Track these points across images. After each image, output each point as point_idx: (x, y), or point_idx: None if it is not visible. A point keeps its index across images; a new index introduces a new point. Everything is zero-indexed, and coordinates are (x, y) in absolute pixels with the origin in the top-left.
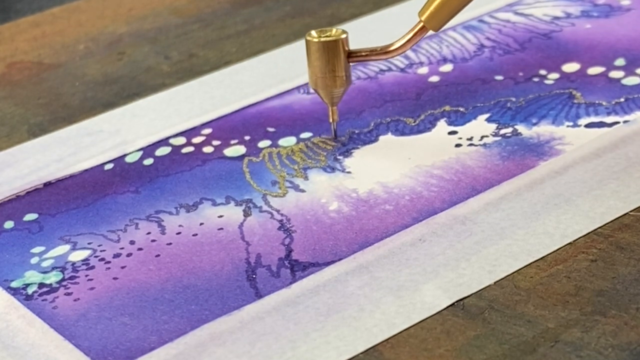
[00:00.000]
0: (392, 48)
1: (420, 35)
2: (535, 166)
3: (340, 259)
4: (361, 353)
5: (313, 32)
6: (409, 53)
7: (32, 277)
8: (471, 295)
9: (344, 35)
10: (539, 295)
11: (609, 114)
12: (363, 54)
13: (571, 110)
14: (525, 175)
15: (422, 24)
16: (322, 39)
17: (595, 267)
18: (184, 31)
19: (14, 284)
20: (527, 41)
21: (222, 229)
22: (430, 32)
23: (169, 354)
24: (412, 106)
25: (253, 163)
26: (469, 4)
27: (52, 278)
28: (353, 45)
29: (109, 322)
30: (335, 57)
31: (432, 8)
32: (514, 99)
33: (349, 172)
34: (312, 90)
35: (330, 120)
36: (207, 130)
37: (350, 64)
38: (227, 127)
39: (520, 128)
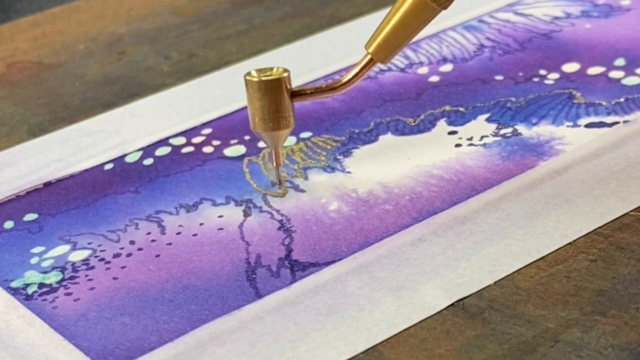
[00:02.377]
0: (338, 84)
1: (367, 68)
2: (535, 166)
3: (340, 259)
4: (361, 353)
5: (252, 72)
6: (409, 53)
7: (32, 277)
8: (471, 295)
9: (285, 74)
10: (539, 295)
11: (609, 114)
12: (308, 92)
13: (571, 110)
14: (525, 175)
15: (369, 56)
16: (263, 78)
17: (595, 267)
18: (184, 31)
19: (13, 284)
20: (527, 41)
21: (222, 229)
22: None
23: (169, 354)
24: (412, 106)
25: (253, 163)
26: (416, 35)
27: (52, 278)
28: (356, 42)
29: (109, 322)
30: (279, 97)
31: (379, 40)
32: (514, 99)
33: (348, 172)
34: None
35: (274, 165)
36: (207, 130)
37: (294, 103)
38: (227, 127)
39: (520, 128)
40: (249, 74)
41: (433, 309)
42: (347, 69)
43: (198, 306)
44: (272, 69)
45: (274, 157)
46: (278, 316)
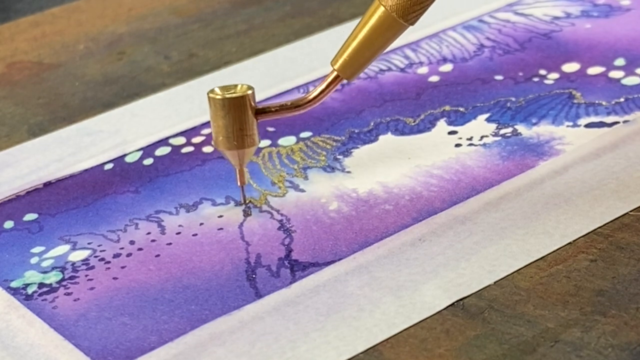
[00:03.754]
0: (303, 102)
1: (334, 85)
2: (535, 166)
3: (340, 259)
4: (361, 353)
5: (216, 89)
6: (409, 53)
7: (32, 277)
8: (471, 295)
9: (249, 91)
10: (538, 295)
11: (608, 114)
12: (273, 109)
13: (571, 110)
14: (525, 175)
15: (335, 73)
16: (227, 96)
17: (595, 267)
18: (184, 31)
19: (13, 284)
20: (527, 41)
21: (222, 229)
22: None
23: (169, 353)
24: (412, 106)
25: (253, 163)
26: (382, 53)
27: (52, 278)
28: None
29: (108, 322)
30: (243, 115)
31: (345, 57)
32: (513, 99)
33: (348, 172)
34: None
35: (239, 184)
36: (207, 130)
37: (258, 121)
38: None
39: (520, 128)
40: (212, 91)
41: (433, 309)
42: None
43: (198, 306)
44: (236, 86)
45: (237, 176)
46: (278, 316)
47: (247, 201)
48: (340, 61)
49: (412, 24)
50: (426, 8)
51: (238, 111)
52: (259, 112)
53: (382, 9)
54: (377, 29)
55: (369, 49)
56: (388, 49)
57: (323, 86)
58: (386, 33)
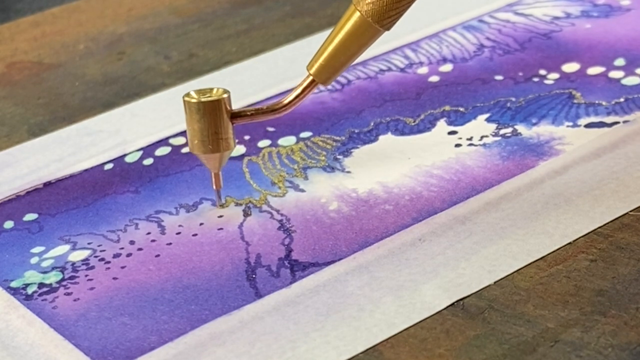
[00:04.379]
0: (279, 106)
1: (309, 90)
2: (535, 166)
3: (340, 259)
4: (361, 353)
5: (192, 93)
6: (409, 53)
7: (32, 277)
8: (471, 295)
9: (225, 95)
10: (538, 295)
11: (608, 114)
12: (248, 113)
13: (571, 110)
14: (525, 175)
15: (311, 77)
16: (203, 100)
17: (595, 267)
18: (184, 31)
19: (13, 284)
20: (527, 41)
21: (222, 229)
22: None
23: (169, 353)
24: (412, 106)
25: (253, 163)
26: (357, 57)
27: (52, 278)
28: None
29: (108, 322)
30: (219, 119)
31: (320, 61)
32: (513, 99)
33: (348, 172)
34: (313, 90)
35: (214, 188)
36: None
37: (234, 124)
38: None
39: (520, 128)
40: (188, 94)
41: (433, 309)
42: (347, 69)
43: (198, 306)
44: (212, 89)
45: (213, 180)
46: (278, 316)
47: (225, 204)
48: (316, 66)
49: (388, 29)
50: (402, 13)
51: (213, 115)
52: (235, 115)
53: (357, 14)
54: (352, 34)
55: (344, 54)
56: (388, 49)
57: (298, 91)
58: (361, 38)
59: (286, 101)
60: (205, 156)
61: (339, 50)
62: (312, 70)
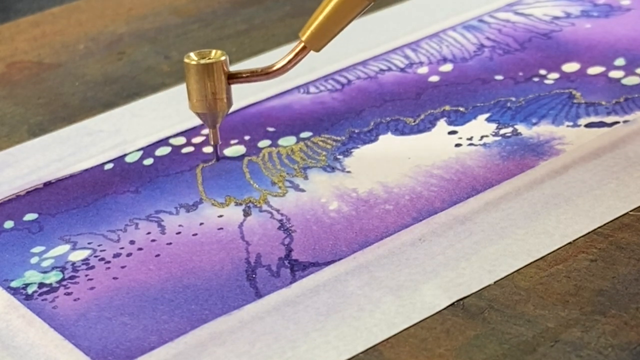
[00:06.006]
0: (273, 69)
1: (301, 55)
2: (535, 166)
3: (340, 259)
4: (361, 353)
5: (192, 55)
6: (409, 53)
7: (32, 276)
8: (471, 295)
9: (223, 57)
10: (538, 295)
11: (608, 113)
12: (244, 75)
13: (571, 110)
14: (525, 175)
15: (302, 44)
16: (202, 62)
17: (595, 267)
18: (184, 31)
19: (14, 284)
20: (527, 41)
21: (222, 228)
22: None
23: (169, 353)
24: (412, 106)
25: (253, 163)
26: (348, 24)
27: (52, 278)
28: (356, 42)
29: (109, 322)
30: (216, 80)
31: (312, 28)
32: (513, 99)
33: (348, 172)
34: (312, 90)
35: (212, 143)
36: (207, 130)
37: (231, 85)
38: (227, 127)
39: (520, 128)
40: (188, 56)
41: (433, 309)
42: (347, 69)
43: (198, 306)
44: (211, 52)
45: (211, 136)
46: (278, 316)
47: (220, 157)
48: (308, 33)
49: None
50: None
51: (212, 76)
52: (232, 77)
53: None
54: (342, 4)
55: (334, 22)
56: (388, 49)
57: (291, 56)
58: (352, 8)
59: (279, 65)
60: (205, 115)
61: (330, 18)
62: (304, 37)
